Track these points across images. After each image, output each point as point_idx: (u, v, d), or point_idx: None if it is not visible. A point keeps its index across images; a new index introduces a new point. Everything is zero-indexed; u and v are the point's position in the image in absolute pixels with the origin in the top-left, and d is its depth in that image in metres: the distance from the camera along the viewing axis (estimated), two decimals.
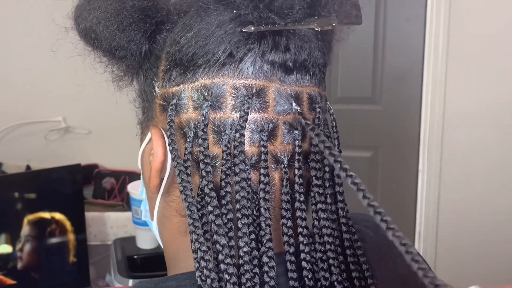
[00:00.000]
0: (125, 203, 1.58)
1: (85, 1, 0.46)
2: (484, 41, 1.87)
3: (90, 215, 1.40)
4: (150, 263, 1.21)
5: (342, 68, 2.07)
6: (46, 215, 1.14)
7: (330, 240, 0.43)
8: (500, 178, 1.93)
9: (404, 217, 2.08)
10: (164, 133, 0.44)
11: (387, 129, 2.11)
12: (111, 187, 1.73)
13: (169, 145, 0.43)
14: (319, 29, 0.43)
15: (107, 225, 1.45)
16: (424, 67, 1.96)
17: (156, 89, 0.46)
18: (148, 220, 0.52)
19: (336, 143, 0.49)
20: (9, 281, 1.09)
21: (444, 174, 1.99)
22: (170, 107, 0.44)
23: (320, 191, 0.44)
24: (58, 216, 1.15)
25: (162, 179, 0.45)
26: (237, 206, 0.41)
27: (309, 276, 0.41)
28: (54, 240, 1.16)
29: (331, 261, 0.42)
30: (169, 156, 0.44)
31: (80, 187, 1.20)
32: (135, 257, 1.21)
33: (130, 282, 1.09)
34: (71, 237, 1.18)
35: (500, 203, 1.93)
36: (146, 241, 1.24)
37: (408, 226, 2.06)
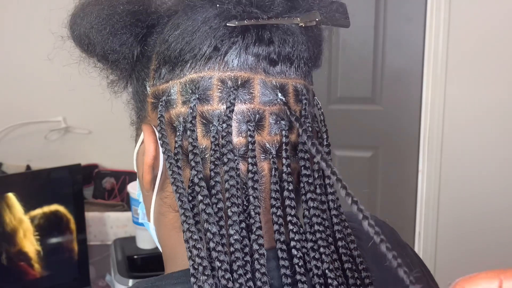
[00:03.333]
0: (125, 203, 1.59)
1: (79, 9, 0.48)
2: (484, 41, 1.87)
3: (90, 215, 1.41)
4: (150, 263, 1.21)
5: (342, 68, 2.08)
6: (47, 214, 1.14)
7: (320, 229, 0.43)
8: (500, 178, 1.93)
9: (404, 217, 2.08)
10: (155, 129, 0.45)
11: (387, 129, 2.10)
12: (111, 187, 1.73)
13: (159, 139, 0.44)
14: (302, 24, 0.44)
15: (107, 225, 1.45)
16: (424, 67, 1.96)
17: (148, 89, 0.47)
18: (145, 222, 0.52)
19: (325, 136, 0.49)
20: (34, 273, 1.10)
21: (444, 174, 1.98)
22: (160, 103, 0.45)
23: (309, 181, 0.45)
24: (59, 215, 1.15)
25: (155, 177, 0.46)
26: (227, 195, 0.41)
27: (300, 264, 0.42)
28: (54, 240, 1.16)
29: (322, 249, 0.43)
30: (161, 151, 0.44)
31: (80, 187, 1.20)
32: (135, 257, 1.21)
33: (130, 282, 1.09)
34: (71, 237, 1.18)
35: (500, 202, 1.93)
36: (146, 241, 1.24)
37: (408, 226, 2.06)
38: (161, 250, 0.50)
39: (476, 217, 1.96)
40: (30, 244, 1.10)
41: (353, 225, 0.48)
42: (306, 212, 0.44)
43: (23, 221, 1.09)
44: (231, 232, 0.40)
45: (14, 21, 1.72)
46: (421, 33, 1.95)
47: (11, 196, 1.08)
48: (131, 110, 0.52)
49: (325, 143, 0.49)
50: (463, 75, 1.92)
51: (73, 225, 1.17)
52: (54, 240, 1.15)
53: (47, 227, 1.13)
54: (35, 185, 1.14)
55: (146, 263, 1.22)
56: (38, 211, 1.12)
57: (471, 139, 1.94)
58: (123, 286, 1.10)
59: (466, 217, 1.98)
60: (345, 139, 2.06)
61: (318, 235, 0.43)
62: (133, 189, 1.21)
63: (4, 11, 1.71)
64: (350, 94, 2.11)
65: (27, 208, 1.11)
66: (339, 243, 0.45)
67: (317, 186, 0.46)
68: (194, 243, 0.39)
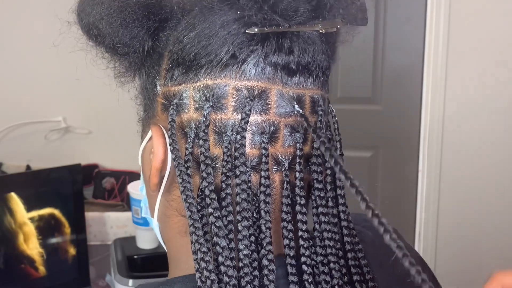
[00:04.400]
0: (125, 203, 1.59)
1: None
2: (484, 41, 1.87)
3: (90, 215, 1.40)
4: (150, 263, 1.21)
5: (342, 68, 2.07)
6: (46, 215, 1.14)
7: (331, 244, 0.43)
8: (500, 178, 1.93)
9: (404, 217, 2.08)
10: (165, 132, 0.44)
11: (387, 129, 2.11)
12: (111, 187, 1.73)
13: (170, 145, 0.43)
14: (323, 31, 0.42)
15: (107, 225, 1.45)
16: (424, 67, 1.96)
17: (158, 87, 0.45)
18: (148, 217, 0.52)
19: (338, 145, 0.48)
20: (36, 274, 1.10)
21: (444, 174, 1.99)
22: (172, 106, 0.43)
23: (321, 195, 0.44)
24: (58, 216, 1.15)
25: (162, 178, 0.45)
26: (238, 208, 0.40)
27: (310, 280, 0.41)
28: (54, 240, 1.16)
29: (332, 265, 0.42)
30: (170, 155, 0.43)
31: (80, 187, 1.20)
32: (135, 257, 1.21)
33: (130, 282, 1.09)
34: (71, 237, 1.18)
35: (500, 203, 1.93)
36: (146, 241, 1.24)
37: (408, 226, 2.06)
38: (165, 249, 0.50)
39: (476, 217, 1.96)
40: (31, 244, 1.10)
41: (357, 228, 0.48)
42: (317, 226, 0.44)
43: (25, 222, 1.09)
44: (241, 247, 0.39)
45: (14, 21, 1.71)
46: (421, 33, 1.95)
47: (13, 196, 1.08)
48: (139, 105, 0.51)
49: (338, 152, 0.48)
50: (463, 75, 1.92)
51: (67, 229, 1.17)
52: (53, 240, 1.15)
53: (45, 228, 1.13)
54: (35, 185, 1.14)
55: (146, 263, 1.21)
56: (34, 213, 1.12)
57: (471, 139, 1.94)
58: (123, 286, 1.10)
59: (466, 217, 1.98)
60: (345, 139, 2.03)
61: (328, 250, 0.42)
62: (133, 189, 1.21)
63: (4, 11, 1.71)
64: (350, 94, 2.11)
65: (27, 208, 1.11)
66: (349, 255, 0.44)
67: (329, 199, 0.45)
68: (202, 255, 0.38)
